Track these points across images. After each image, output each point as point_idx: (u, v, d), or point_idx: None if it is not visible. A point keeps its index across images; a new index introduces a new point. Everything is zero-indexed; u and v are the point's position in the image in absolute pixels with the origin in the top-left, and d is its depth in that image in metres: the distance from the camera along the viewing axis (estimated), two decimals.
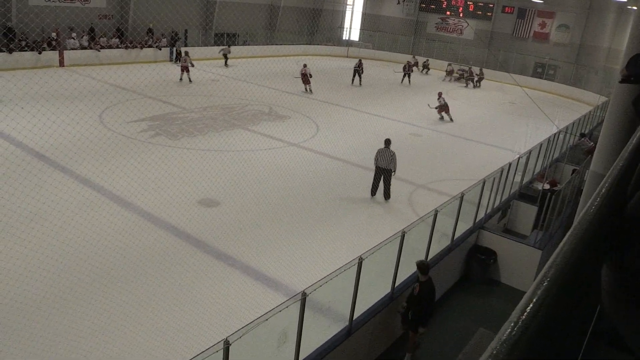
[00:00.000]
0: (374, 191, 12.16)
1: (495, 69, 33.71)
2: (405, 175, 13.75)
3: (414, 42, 39.95)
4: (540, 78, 33.90)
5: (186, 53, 23.14)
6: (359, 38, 41.78)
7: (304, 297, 5.42)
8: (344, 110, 20.67)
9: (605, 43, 32.50)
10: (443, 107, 21.28)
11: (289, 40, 35.17)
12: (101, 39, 25.39)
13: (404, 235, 7.29)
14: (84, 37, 24.88)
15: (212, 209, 10.60)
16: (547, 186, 13.04)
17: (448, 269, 9.42)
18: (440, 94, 21.65)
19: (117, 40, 26.20)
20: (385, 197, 12.03)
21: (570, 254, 0.56)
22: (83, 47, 24.50)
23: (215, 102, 19.70)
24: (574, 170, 14.27)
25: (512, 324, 0.42)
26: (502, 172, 11.46)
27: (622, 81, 2.56)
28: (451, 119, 21.22)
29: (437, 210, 8.27)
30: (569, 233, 0.63)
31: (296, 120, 18.38)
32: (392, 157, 11.96)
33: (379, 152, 12.13)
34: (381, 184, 12.08)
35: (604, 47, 32.54)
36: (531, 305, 0.45)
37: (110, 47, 25.56)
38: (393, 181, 12.10)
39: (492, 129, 20.73)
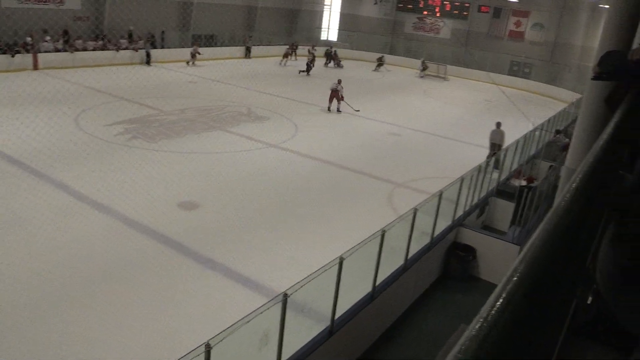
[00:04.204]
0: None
1: (472, 67, 34.10)
2: (384, 174, 13.82)
3: (391, 41, 40.18)
4: (516, 76, 34.40)
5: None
6: (337, 38, 41.86)
7: (285, 298, 5.41)
8: (322, 110, 20.68)
9: (579, 41, 33.13)
10: (332, 94, 20.51)
11: (267, 41, 35.08)
12: (76, 41, 25.00)
13: (384, 234, 7.32)
14: (60, 40, 24.46)
15: (192, 211, 10.51)
16: (524, 183, 13.23)
17: (428, 266, 9.50)
18: (339, 81, 20.87)
19: (93, 42, 25.82)
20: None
21: (540, 249, 0.56)
22: (57, 50, 24.09)
23: (193, 104, 19.54)
24: (550, 167, 14.51)
25: (481, 320, 0.42)
26: (479, 169, 11.59)
27: (594, 78, 2.60)
28: (338, 110, 20.57)
29: (416, 209, 8.33)
30: (539, 228, 0.63)
31: (275, 121, 18.34)
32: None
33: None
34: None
35: (578, 45, 33.17)
36: (500, 300, 0.45)
37: (85, 49, 25.18)
38: (372, 181, 12.17)
39: (470, 127, 20.94)
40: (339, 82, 20.93)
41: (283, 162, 13.86)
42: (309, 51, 30.63)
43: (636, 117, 1.55)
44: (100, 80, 20.23)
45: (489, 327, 0.41)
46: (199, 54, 28.12)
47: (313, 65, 29.40)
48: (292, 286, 5.61)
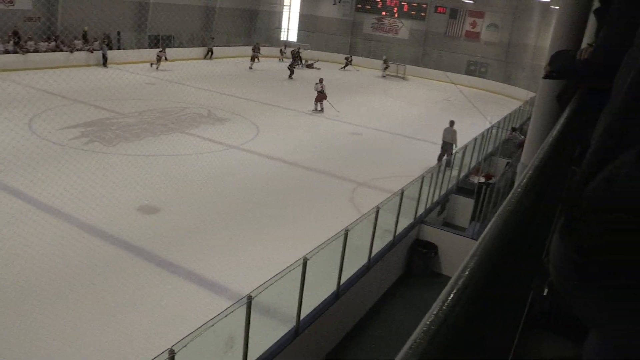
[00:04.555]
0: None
1: (431, 67, 34.67)
2: (346, 173, 13.90)
3: (351, 42, 40.45)
4: (473, 75, 35.16)
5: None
6: (297, 39, 41.85)
7: (249, 300, 5.37)
8: (283, 111, 20.64)
9: (532, 41, 34.11)
10: (320, 95, 20.72)
11: (226, 42, 34.74)
12: (28, 42, 24.15)
13: (347, 234, 7.37)
14: (10, 41, 23.57)
15: (152, 215, 10.31)
16: (482, 179, 13.55)
17: (391, 264, 9.61)
18: (321, 80, 21.13)
19: (46, 43, 24.99)
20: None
21: (490, 244, 0.58)
22: (7, 51, 23.22)
23: (151, 106, 19.18)
24: (507, 164, 14.90)
25: (432, 316, 0.42)
26: (440, 167, 11.80)
27: (545, 77, 2.68)
28: (321, 109, 20.94)
29: (378, 207, 8.41)
30: (490, 223, 0.65)
31: (236, 122, 18.19)
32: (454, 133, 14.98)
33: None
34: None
35: (531, 45, 34.13)
36: (451, 296, 0.46)
37: (37, 50, 24.35)
38: (334, 180, 12.23)
39: (430, 126, 21.25)
40: (321, 81, 21.06)
41: (244, 164, 13.76)
42: (292, 53, 31.18)
43: (585, 113, 1.60)
44: (53, 82, 19.58)
45: (439, 322, 0.42)
46: (165, 59, 27.58)
47: (294, 67, 29.97)
48: (257, 288, 5.59)
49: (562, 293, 0.61)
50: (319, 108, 21.10)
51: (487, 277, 0.52)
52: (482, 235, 0.60)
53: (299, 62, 33.30)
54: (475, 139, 14.70)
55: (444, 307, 0.44)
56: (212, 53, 32.11)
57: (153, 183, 11.51)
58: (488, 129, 16.46)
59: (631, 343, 0.56)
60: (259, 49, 32.76)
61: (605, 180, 0.54)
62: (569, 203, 0.66)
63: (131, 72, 23.96)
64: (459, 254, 10.21)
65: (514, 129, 19.31)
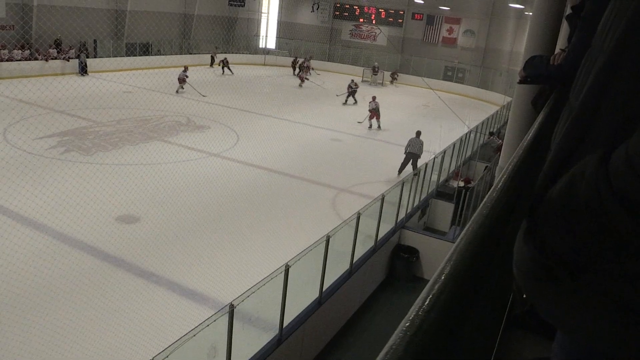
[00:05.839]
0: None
1: (409, 73, 34.97)
2: (327, 180, 13.92)
3: (329, 49, 40.62)
4: (451, 81, 35.55)
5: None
6: (276, 46, 41.89)
7: (231, 309, 5.33)
8: (263, 118, 20.61)
9: (507, 46, 34.67)
10: (374, 112, 20.61)
11: (205, 50, 34.62)
12: (1, 51, 23.74)
13: (328, 240, 7.37)
14: None
15: (132, 225, 10.19)
16: (461, 184, 13.69)
17: (373, 269, 9.63)
18: (374, 98, 20.98)
19: (20, 51, 24.59)
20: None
21: (465, 248, 0.58)
22: None
23: (129, 115, 18.99)
24: (485, 167, 15.08)
25: (408, 321, 0.43)
26: (419, 172, 11.89)
27: (520, 82, 2.72)
28: (379, 127, 20.78)
29: (359, 213, 8.43)
30: (465, 228, 0.66)
31: (215, 130, 18.11)
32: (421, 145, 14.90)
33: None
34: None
35: (507, 51, 34.69)
36: (427, 301, 0.46)
37: (11, 59, 23.95)
38: (315, 187, 12.23)
39: (409, 131, 21.38)
40: (374, 98, 20.90)
41: (225, 172, 13.69)
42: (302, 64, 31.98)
43: (557, 117, 1.63)
44: (28, 91, 19.27)
45: (415, 328, 0.42)
46: (186, 77, 27.21)
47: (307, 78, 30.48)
48: (239, 296, 5.55)
49: (525, 294, 0.62)
50: (375, 126, 20.88)
51: (464, 281, 0.52)
52: (458, 239, 0.61)
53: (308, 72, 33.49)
54: (454, 144, 14.86)
55: (420, 313, 0.44)
56: (224, 63, 31.40)
57: (132, 192, 11.38)
58: (466, 133, 16.65)
59: (594, 341, 0.57)
60: (226, 62, 32.20)
61: (568, 182, 0.55)
62: (532, 205, 0.67)
63: (109, 80, 23.72)
64: (440, 258, 10.23)
65: (491, 133, 19.58)
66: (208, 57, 33.38)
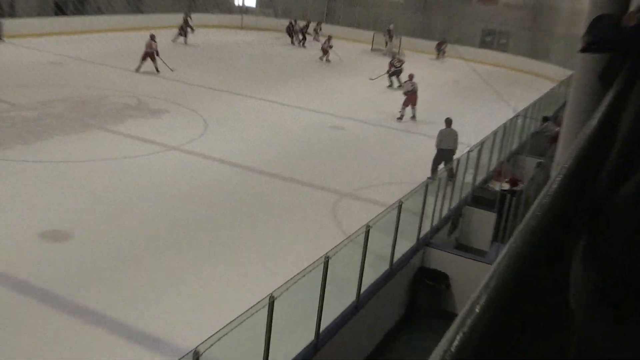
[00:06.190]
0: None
1: (434, 39, 35.03)
2: (325, 181, 13.92)
3: (328, 6, 40.67)
4: (490, 49, 35.62)
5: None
6: (257, 4, 41.94)
7: (196, 357, 5.32)
8: (240, 99, 20.63)
9: (566, 3, 34.74)
10: (411, 96, 20.31)
11: (161, 8, 34.60)
12: None
13: (327, 262, 7.36)
14: None
15: (61, 244, 10.16)
16: (506, 186, 13.71)
17: (388, 301, 9.62)
18: (411, 77, 20.64)
19: None
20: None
21: (507, 272, 0.58)
22: None
23: (59, 94, 18.96)
24: (537, 164, 15.11)
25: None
26: (449, 171, 11.90)
27: (583, 50, 2.73)
28: (413, 116, 20.51)
29: (369, 226, 8.43)
30: (507, 245, 0.65)
31: (176, 114, 18.10)
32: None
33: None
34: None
35: (565, 8, 34.76)
36: (455, 342, 0.46)
37: None
38: (310, 191, 12.22)
39: (433, 116, 21.43)
40: (411, 77, 20.62)
41: (188, 171, 13.68)
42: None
43: (630, 96, 1.63)
44: None
45: None
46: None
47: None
48: (206, 340, 5.53)
49: (584, 332, 0.61)
50: (409, 114, 20.43)
51: (504, 315, 0.52)
52: (497, 260, 0.60)
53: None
54: (495, 133, 14.88)
55: (446, 356, 0.44)
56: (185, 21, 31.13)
57: (62, 200, 11.36)
58: (512, 118, 16.69)
59: None
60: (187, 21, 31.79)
61: None
62: (593, 215, 0.67)
63: (31, 48, 23.72)
64: (477, 287, 10.27)
65: (546, 118, 19.64)
66: (164, 18, 33.35)
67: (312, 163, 15.19)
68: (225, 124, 17.50)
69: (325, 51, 30.60)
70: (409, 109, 20.41)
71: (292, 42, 34.83)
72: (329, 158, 15.80)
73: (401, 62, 25.86)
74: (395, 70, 25.56)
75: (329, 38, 31.49)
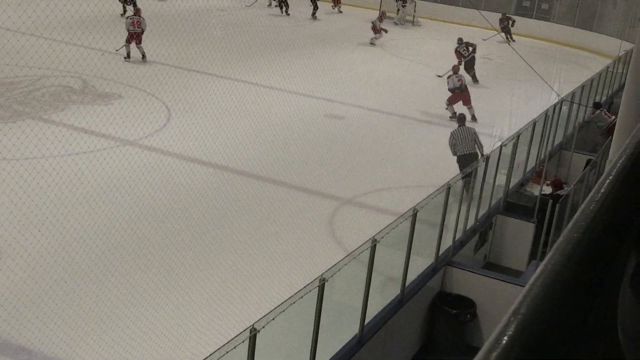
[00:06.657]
0: None
1: (458, 4, 35.07)
2: (321, 184, 13.92)
3: None
4: (529, 17, 35.62)
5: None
6: None
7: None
8: (211, 80, 20.60)
9: None
10: (459, 94, 19.68)
11: None
12: None
13: (323, 285, 7.38)
14: None
15: None
16: (547, 190, 13.72)
17: (400, 334, 9.64)
18: (456, 69, 20.15)
19: None
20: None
21: (543, 296, 0.60)
22: None
23: None
24: (588, 162, 15.12)
25: None
26: (475, 170, 11.91)
27: None
28: (473, 117, 19.40)
29: (375, 240, 8.44)
30: (543, 263, 0.68)
31: (131, 100, 18.07)
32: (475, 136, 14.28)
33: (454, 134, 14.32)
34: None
35: None
36: None
37: None
38: (302, 196, 12.22)
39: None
40: (456, 70, 20.02)
41: (148, 172, 13.64)
42: None
43: None
44: None
45: None
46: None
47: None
48: None
49: None
50: (470, 115, 19.14)
51: (538, 349, 0.54)
52: (530, 281, 0.62)
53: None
54: (535, 123, 14.90)
55: None
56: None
57: None
58: (555, 105, 16.71)
59: None
60: None
61: None
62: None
63: None
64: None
65: (598, 105, 19.66)
66: None
67: (305, 162, 15.18)
68: (193, 113, 17.46)
69: (377, 30, 29.77)
70: (465, 108, 19.28)
71: (273, 5, 34.76)
72: (325, 155, 15.79)
73: (472, 46, 24.06)
74: (467, 61, 23.89)
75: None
